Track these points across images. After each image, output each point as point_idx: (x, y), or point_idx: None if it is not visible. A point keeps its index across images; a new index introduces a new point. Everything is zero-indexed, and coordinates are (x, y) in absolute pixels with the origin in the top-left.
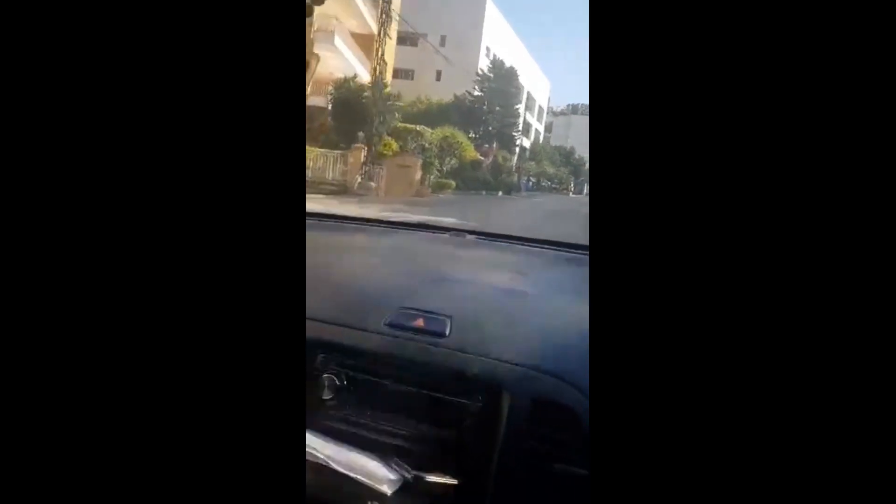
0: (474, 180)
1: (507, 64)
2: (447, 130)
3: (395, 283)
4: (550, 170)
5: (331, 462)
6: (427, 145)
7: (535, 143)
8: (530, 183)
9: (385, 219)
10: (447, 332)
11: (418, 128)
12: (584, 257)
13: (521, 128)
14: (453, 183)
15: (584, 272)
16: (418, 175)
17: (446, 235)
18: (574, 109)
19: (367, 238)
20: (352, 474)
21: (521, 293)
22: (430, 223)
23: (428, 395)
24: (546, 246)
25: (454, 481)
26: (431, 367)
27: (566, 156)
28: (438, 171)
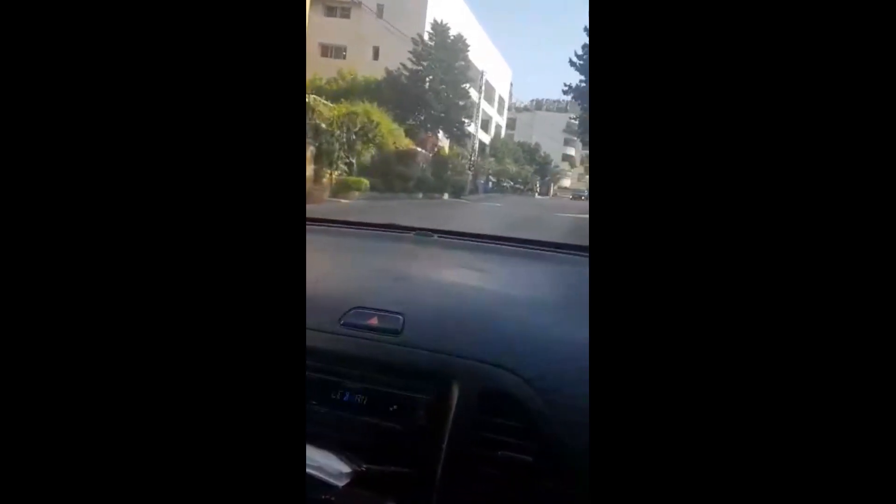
0: (404, 179)
1: (455, 34)
2: (358, 107)
3: (354, 283)
4: (513, 168)
5: None
6: (326, 126)
7: (496, 139)
8: (489, 184)
9: (351, 220)
10: (400, 329)
11: (309, 99)
12: (549, 254)
13: (476, 116)
14: (366, 182)
15: (545, 267)
16: (308, 170)
17: (411, 235)
18: (538, 105)
19: (329, 239)
20: (307, 470)
21: (476, 289)
22: (397, 224)
23: (381, 390)
24: (512, 244)
25: (407, 471)
26: (383, 364)
27: (530, 153)
28: (346, 164)
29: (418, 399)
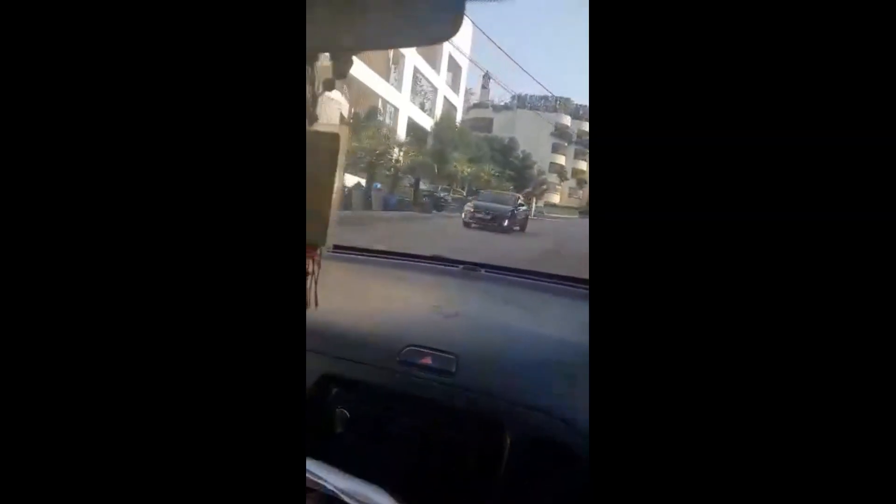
0: None
1: None
2: None
3: (406, 319)
4: (466, 169)
5: (341, 494)
6: None
7: (444, 124)
8: (394, 199)
9: (398, 251)
10: (453, 371)
11: None
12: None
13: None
14: None
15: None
16: None
17: (458, 269)
18: (521, 102)
19: (378, 271)
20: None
21: (528, 331)
22: (442, 256)
23: (434, 431)
24: (561, 282)
25: None
26: (437, 405)
27: (504, 152)
28: None
29: (469, 442)
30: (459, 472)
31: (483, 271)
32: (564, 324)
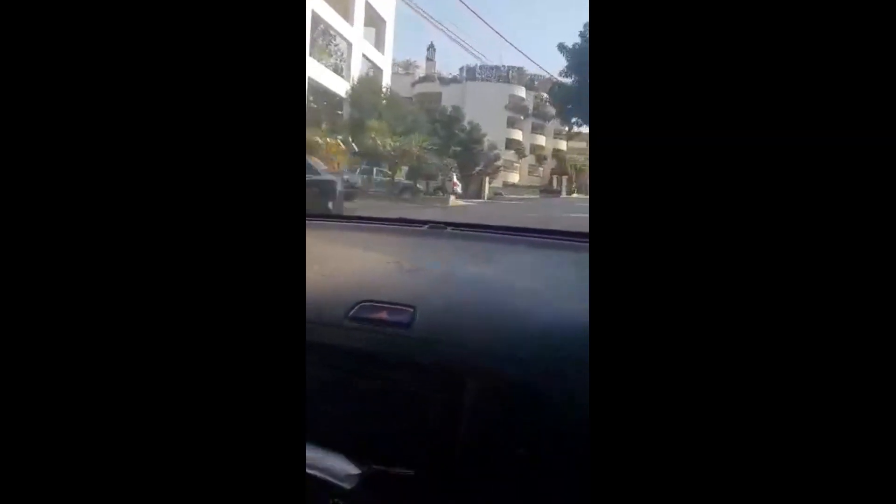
0: None
1: None
2: None
3: (361, 277)
4: (389, 143)
5: None
6: None
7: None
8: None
9: (363, 216)
10: (410, 324)
11: None
12: (565, 242)
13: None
14: None
15: (560, 256)
16: None
17: (424, 229)
18: (470, 74)
19: (339, 234)
20: (311, 472)
21: (487, 280)
22: (409, 218)
23: (392, 387)
24: (526, 234)
25: (418, 471)
26: (394, 359)
27: (447, 124)
28: None
29: (430, 395)
30: (418, 426)
31: (449, 229)
32: (526, 271)
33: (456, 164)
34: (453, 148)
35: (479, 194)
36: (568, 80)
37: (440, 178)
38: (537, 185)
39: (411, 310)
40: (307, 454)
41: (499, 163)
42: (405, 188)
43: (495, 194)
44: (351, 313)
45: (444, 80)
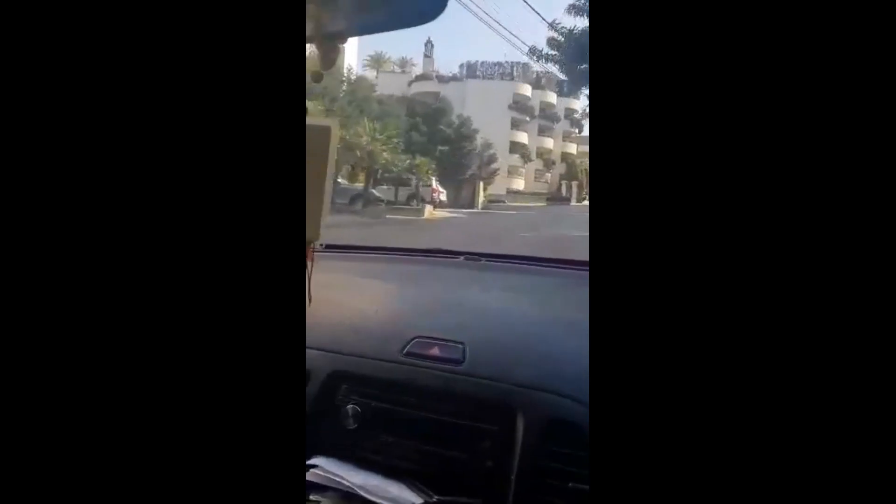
0: None
1: None
2: None
3: (410, 311)
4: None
5: (359, 489)
6: None
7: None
8: None
9: (398, 247)
10: (462, 359)
11: None
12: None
13: None
14: None
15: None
16: None
17: (460, 260)
18: (471, 70)
19: (380, 266)
20: (379, 500)
21: (533, 315)
22: (443, 249)
23: (447, 420)
24: (561, 265)
25: (476, 502)
26: (449, 394)
27: (433, 118)
28: None
29: (484, 429)
30: (475, 459)
31: (484, 261)
32: (566, 304)
33: (434, 166)
34: (439, 147)
35: (471, 202)
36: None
37: (414, 183)
38: (544, 191)
39: (461, 345)
40: (373, 482)
41: (495, 165)
42: (356, 197)
43: (492, 202)
44: (406, 349)
45: (442, 79)
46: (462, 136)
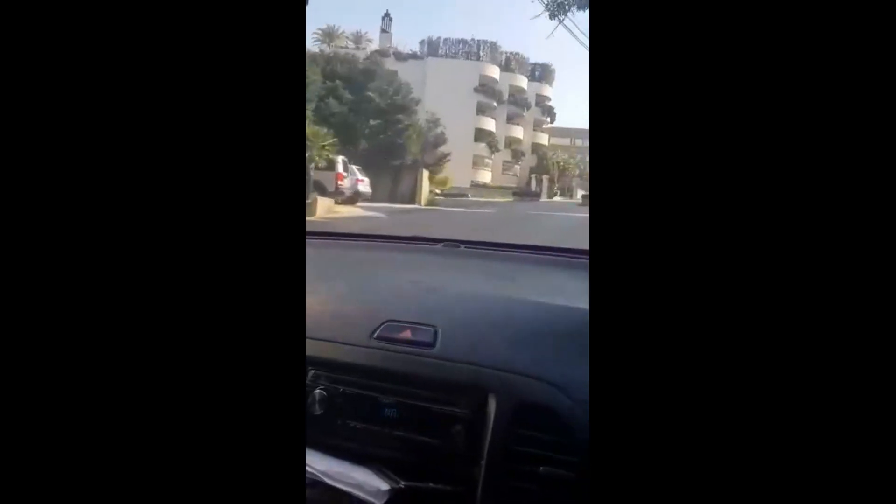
0: None
1: None
2: None
3: (384, 296)
4: None
5: (323, 476)
6: None
7: None
8: None
9: (377, 234)
10: (434, 342)
11: None
12: (576, 260)
13: None
14: None
15: (575, 274)
16: None
17: (438, 247)
18: (432, 48)
19: (356, 253)
20: (344, 487)
21: (507, 299)
22: (422, 236)
23: (416, 405)
24: (539, 252)
25: (445, 488)
26: (419, 378)
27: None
28: None
29: (455, 413)
30: (445, 443)
31: (462, 247)
32: (543, 289)
33: (336, 142)
34: (371, 122)
35: (411, 196)
36: None
37: (311, 166)
38: (513, 185)
39: (433, 328)
40: (337, 468)
41: (444, 149)
42: None
43: (450, 196)
44: (376, 333)
45: (400, 56)
46: (397, 106)
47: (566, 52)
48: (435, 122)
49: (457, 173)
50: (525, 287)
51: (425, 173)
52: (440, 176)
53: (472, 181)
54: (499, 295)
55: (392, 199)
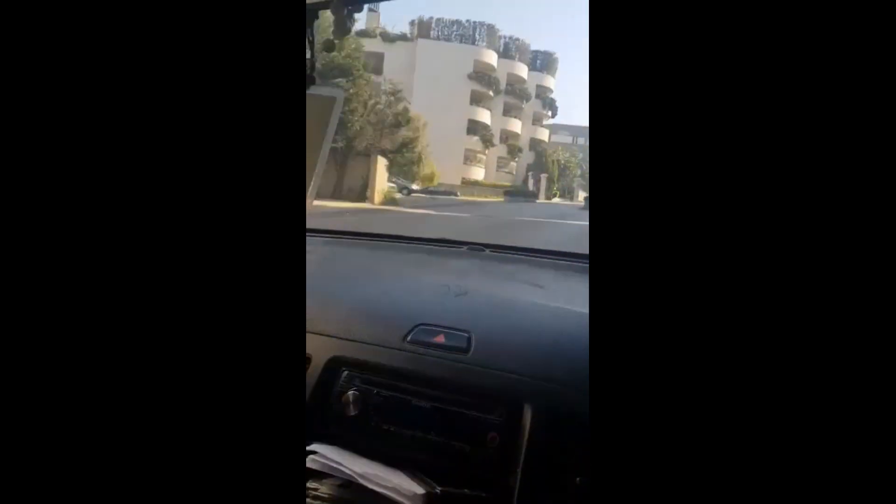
0: None
1: None
2: None
3: (413, 299)
4: None
5: (359, 478)
6: None
7: None
8: None
9: (403, 235)
10: (468, 348)
11: None
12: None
13: None
14: None
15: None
16: None
17: (463, 249)
18: (424, 28)
19: (386, 254)
20: (379, 489)
21: (539, 307)
22: (448, 238)
23: (451, 410)
24: (563, 258)
25: (480, 494)
26: (453, 383)
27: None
28: None
29: (489, 420)
30: (480, 450)
31: (487, 251)
32: (573, 297)
33: None
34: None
35: (360, 193)
36: None
37: None
38: (508, 183)
39: (466, 334)
40: (373, 470)
41: (407, 131)
42: None
43: (428, 193)
44: (409, 336)
45: (387, 37)
46: (340, 69)
47: (570, 41)
48: (396, 95)
49: (446, 168)
50: (555, 294)
51: (381, 162)
52: (426, 171)
53: (463, 178)
54: (530, 301)
55: (336, 196)
